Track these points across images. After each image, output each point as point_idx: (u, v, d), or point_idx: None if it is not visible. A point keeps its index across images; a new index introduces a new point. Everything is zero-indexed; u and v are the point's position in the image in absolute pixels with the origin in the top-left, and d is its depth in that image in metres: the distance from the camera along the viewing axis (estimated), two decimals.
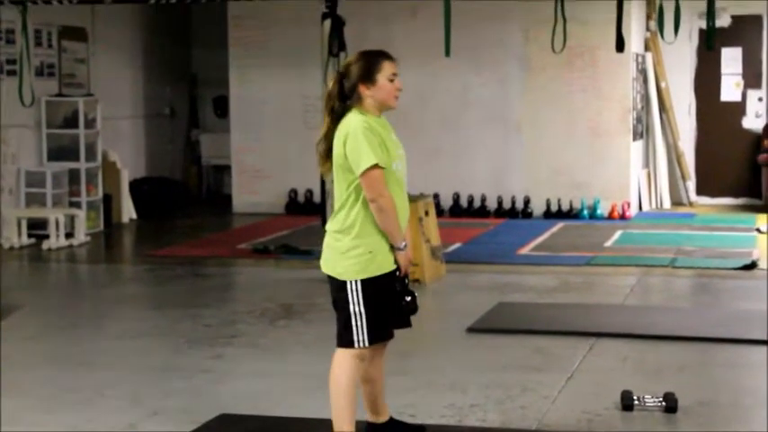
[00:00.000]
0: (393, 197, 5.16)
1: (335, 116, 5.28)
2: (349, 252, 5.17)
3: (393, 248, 5.19)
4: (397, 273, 5.23)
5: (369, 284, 5.14)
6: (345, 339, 5.19)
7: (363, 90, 5.26)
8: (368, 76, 5.26)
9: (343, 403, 5.17)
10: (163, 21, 17.16)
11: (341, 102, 5.27)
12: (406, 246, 5.22)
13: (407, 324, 5.37)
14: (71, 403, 6.42)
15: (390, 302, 5.21)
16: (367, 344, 5.13)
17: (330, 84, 5.35)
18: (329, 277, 5.26)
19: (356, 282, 5.14)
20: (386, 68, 5.29)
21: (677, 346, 7.78)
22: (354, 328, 5.15)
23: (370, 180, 5.10)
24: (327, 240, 5.28)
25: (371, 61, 5.30)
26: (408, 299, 5.26)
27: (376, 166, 5.09)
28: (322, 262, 5.29)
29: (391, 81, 5.30)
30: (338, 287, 5.21)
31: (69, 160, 13.97)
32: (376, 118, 5.28)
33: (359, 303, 5.14)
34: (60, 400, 6.48)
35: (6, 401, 6.43)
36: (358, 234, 5.16)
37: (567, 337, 7.99)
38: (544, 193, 15.24)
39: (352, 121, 5.18)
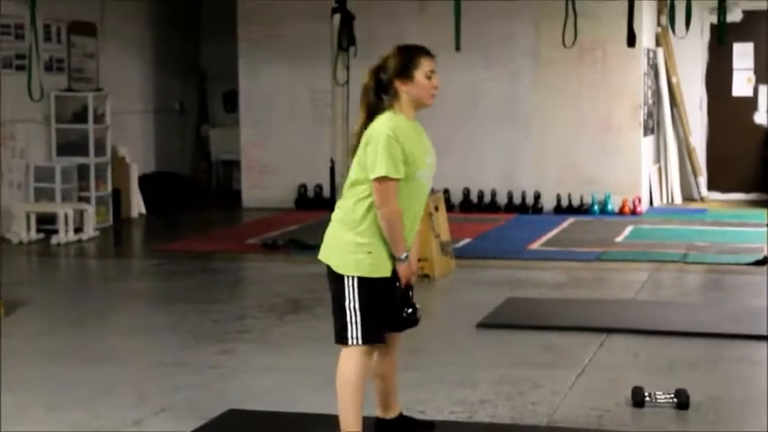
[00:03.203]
0: (404, 205, 5.07)
1: (370, 111, 5.19)
2: (348, 247, 5.10)
3: (394, 258, 5.13)
4: (398, 283, 5.16)
5: (365, 283, 5.07)
6: (341, 336, 5.13)
7: (399, 86, 5.17)
8: (404, 72, 5.17)
9: (349, 401, 5.11)
10: (172, 15, 17.12)
11: (376, 97, 5.18)
12: (407, 257, 5.14)
13: (409, 326, 5.30)
14: (77, 399, 6.38)
15: (386, 307, 5.13)
16: (360, 342, 5.06)
17: (366, 77, 5.25)
18: (327, 267, 5.20)
19: (353, 278, 5.08)
20: (423, 64, 5.19)
21: (689, 341, 7.73)
22: (349, 325, 5.08)
23: (378, 189, 5.03)
24: (330, 229, 5.23)
25: (409, 56, 5.21)
26: (409, 311, 5.21)
27: (386, 177, 5.01)
28: (321, 250, 5.22)
29: (428, 78, 5.19)
30: (335, 279, 5.14)
31: (78, 155, 13.93)
32: (408, 121, 5.18)
33: (355, 300, 5.07)
34: (67, 396, 6.45)
35: (12, 397, 6.40)
36: (362, 232, 5.09)
37: (578, 333, 7.94)
38: (554, 188, 15.18)
39: (379, 127, 5.09)
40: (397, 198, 5.06)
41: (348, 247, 5.11)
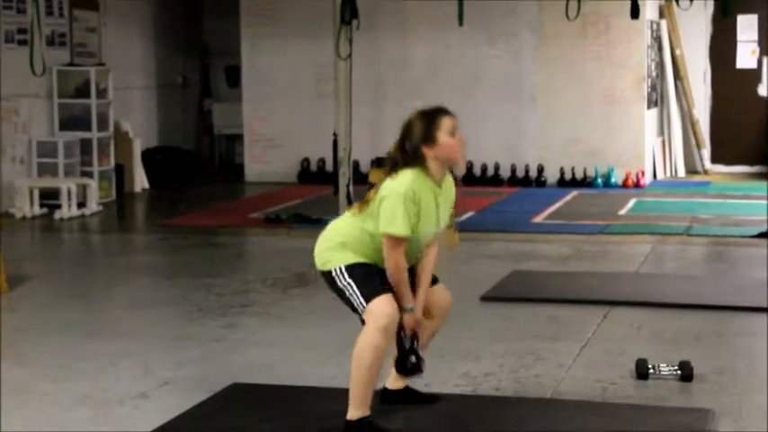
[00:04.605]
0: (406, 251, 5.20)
1: (394, 172, 5.25)
2: (330, 248, 5.26)
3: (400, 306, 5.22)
4: (402, 333, 5.25)
5: (349, 267, 5.20)
6: (357, 313, 5.22)
7: (426, 151, 5.22)
8: (428, 137, 5.21)
9: (362, 378, 5.12)
10: None
11: (404, 164, 5.21)
12: (412, 308, 5.24)
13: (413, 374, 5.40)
14: (83, 372, 6.40)
15: (376, 273, 5.21)
16: (365, 303, 5.11)
17: (392, 148, 5.29)
18: (321, 274, 5.33)
19: (338, 268, 5.21)
20: (445, 125, 5.25)
21: (692, 314, 7.73)
22: (352, 299, 5.17)
23: (390, 244, 5.14)
24: (317, 242, 5.35)
25: (430, 120, 5.25)
26: (413, 360, 5.28)
27: (402, 237, 5.12)
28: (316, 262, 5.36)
29: (452, 135, 5.24)
30: (328, 279, 5.27)
31: (81, 130, 13.93)
32: (431, 185, 5.24)
33: (345, 279, 5.19)
34: (72, 370, 6.46)
35: (18, 370, 6.42)
36: (346, 243, 5.24)
37: (582, 306, 7.95)
38: (558, 161, 15.18)
39: (400, 184, 5.15)
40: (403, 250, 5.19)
41: (330, 248, 5.26)
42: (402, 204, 5.11)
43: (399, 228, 5.11)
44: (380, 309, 5.09)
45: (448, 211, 5.46)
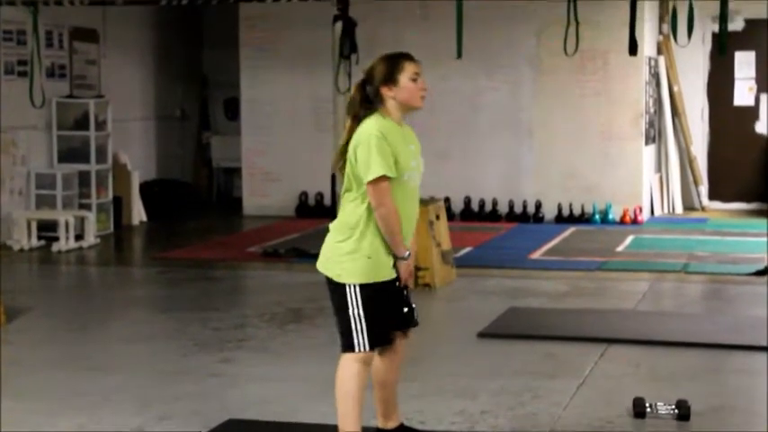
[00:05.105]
0: (398, 207, 5.12)
1: (358, 121, 5.24)
2: (348, 255, 5.13)
3: (395, 257, 5.16)
4: (397, 283, 5.19)
5: (367, 288, 5.10)
6: (347, 343, 5.15)
7: (386, 92, 5.22)
8: (389, 78, 5.22)
9: (349, 409, 5.12)
10: (174, 22, 17.12)
11: (364, 108, 5.22)
12: (409, 255, 5.18)
13: (410, 325, 5.32)
14: (79, 407, 6.38)
15: (390, 308, 5.17)
16: (368, 348, 5.08)
17: (353, 89, 5.31)
18: (326, 278, 5.22)
19: (355, 285, 5.10)
20: (407, 69, 5.25)
21: (690, 352, 7.72)
22: (355, 332, 5.10)
23: (374, 190, 5.08)
24: (327, 239, 5.26)
25: (392, 62, 5.26)
26: (406, 310, 5.23)
27: (382, 177, 5.07)
28: (319, 262, 5.26)
29: (414, 81, 5.24)
30: (336, 289, 5.17)
31: (80, 162, 13.94)
32: (395, 125, 5.22)
33: (358, 307, 5.10)
34: (68, 404, 6.44)
35: (14, 404, 6.40)
36: (359, 237, 5.13)
37: (579, 343, 7.94)
38: (555, 197, 15.18)
39: (366, 129, 5.14)
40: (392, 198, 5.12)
41: (345, 255, 5.15)
42: (375, 147, 5.06)
43: (377, 169, 5.05)
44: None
45: (419, 154, 5.33)
